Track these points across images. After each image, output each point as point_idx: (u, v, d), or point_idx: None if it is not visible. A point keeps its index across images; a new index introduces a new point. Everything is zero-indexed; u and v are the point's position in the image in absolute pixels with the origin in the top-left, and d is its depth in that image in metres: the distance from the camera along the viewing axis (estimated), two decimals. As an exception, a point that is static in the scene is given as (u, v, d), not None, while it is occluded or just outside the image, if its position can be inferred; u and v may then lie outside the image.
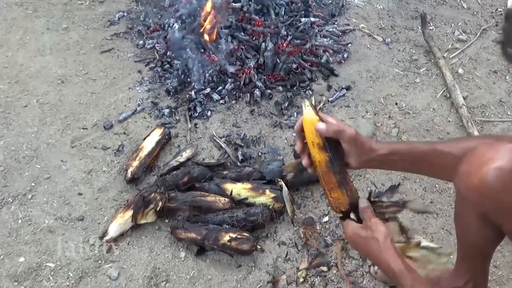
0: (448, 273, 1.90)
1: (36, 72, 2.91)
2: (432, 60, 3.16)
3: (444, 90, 2.98)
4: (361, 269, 2.15)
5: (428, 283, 1.31)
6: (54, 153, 2.50)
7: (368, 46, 3.25)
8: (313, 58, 3.02)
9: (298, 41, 3.03)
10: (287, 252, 2.19)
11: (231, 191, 2.27)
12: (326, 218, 2.32)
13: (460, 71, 3.12)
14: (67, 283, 2.03)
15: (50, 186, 2.36)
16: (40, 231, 2.20)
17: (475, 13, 3.58)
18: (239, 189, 2.26)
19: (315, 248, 2.21)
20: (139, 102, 2.76)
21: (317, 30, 3.17)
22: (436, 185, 2.48)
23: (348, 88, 2.93)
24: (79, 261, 2.10)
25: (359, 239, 1.37)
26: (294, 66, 2.92)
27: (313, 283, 2.10)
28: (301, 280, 2.11)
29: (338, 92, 2.89)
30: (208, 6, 2.88)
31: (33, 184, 2.36)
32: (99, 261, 2.11)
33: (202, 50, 2.94)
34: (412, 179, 2.49)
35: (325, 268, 2.15)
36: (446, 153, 1.38)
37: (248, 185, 2.28)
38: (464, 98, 2.88)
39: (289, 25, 3.09)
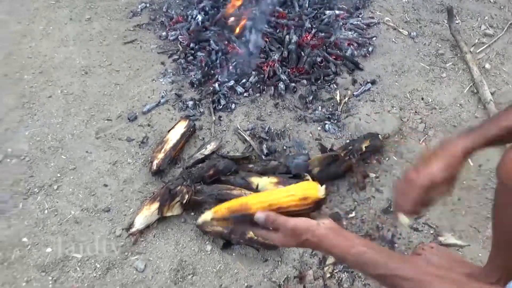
0: (477, 270, 1.87)
1: (60, 62, 2.91)
2: (459, 55, 3.11)
3: (471, 86, 2.92)
4: (388, 265, 2.12)
5: (368, 249, 1.15)
6: (79, 144, 2.50)
7: (393, 39, 3.20)
8: (338, 52, 2.98)
9: (323, 34, 3.00)
10: (313, 247, 2.17)
11: (257, 185, 2.25)
12: (352, 214, 2.29)
13: (487, 66, 3.06)
14: (94, 274, 2.03)
15: (76, 177, 2.36)
16: (66, 221, 2.20)
17: (502, 7, 3.52)
18: (265, 183, 2.24)
19: (342, 243, 2.18)
20: (162, 94, 2.75)
21: (341, 23, 3.14)
22: (464, 182, 2.43)
23: (373, 82, 2.89)
24: (105, 252, 2.10)
25: (294, 246, 1.23)
26: (319, 59, 2.89)
27: (340, 278, 2.08)
28: (328, 275, 2.09)
29: (363, 86, 2.86)
30: (233, -1, 2.86)
31: (58, 175, 2.36)
32: (126, 253, 2.11)
33: (226, 42, 2.92)
34: (438, 175, 2.45)
35: (352, 264, 2.13)
36: None
37: (274, 179, 2.25)
38: (492, 94, 2.82)
39: (313, 18, 3.06)
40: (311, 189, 1.29)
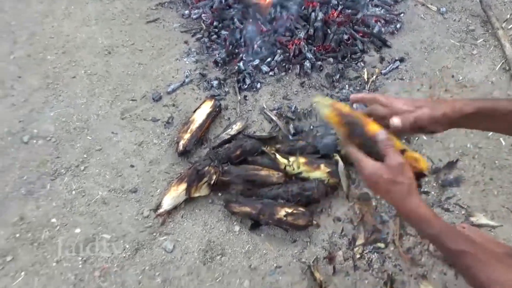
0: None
1: (82, 42, 2.89)
2: (490, 31, 3.01)
3: (503, 63, 2.83)
4: (419, 246, 2.08)
5: (455, 230, 1.20)
6: (105, 124, 2.48)
7: (422, 16, 3.11)
8: (365, 29, 2.90)
9: (349, 10, 2.92)
10: (342, 227, 2.14)
11: (285, 166, 2.21)
12: (381, 194, 2.25)
13: (520, 42, 2.96)
14: (124, 255, 2.02)
15: (102, 157, 2.35)
16: (94, 202, 2.19)
17: (534, -20, 3.39)
18: (294, 163, 2.20)
19: (371, 224, 2.15)
20: (187, 73, 2.71)
21: (368, 0, 3.05)
22: (496, 162, 2.37)
23: (401, 60, 2.81)
24: (134, 233, 2.09)
25: (381, 180, 1.22)
26: (345, 36, 2.82)
27: (370, 259, 2.05)
28: (358, 256, 2.06)
29: (391, 64, 2.78)
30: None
31: (85, 156, 2.35)
32: (154, 234, 2.10)
33: (250, 20, 2.86)
34: (471, 154, 2.39)
35: (382, 245, 2.09)
36: None
37: (303, 159, 2.21)
38: (525, 71, 2.74)
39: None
40: (422, 162, 1.32)
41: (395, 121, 1.27)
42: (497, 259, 1.14)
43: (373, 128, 1.34)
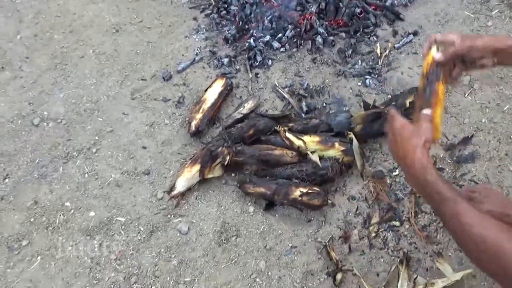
0: None
1: (89, 21, 2.84)
2: (505, 1, 2.92)
3: (519, 34, 2.77)
4: (434, 224, 2.07)
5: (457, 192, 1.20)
6: (115, 105, 2.46)
7: (435, -14, 3.03)
8: (377, 2, 2.83)
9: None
10: (357, 206, 2.13)
11: (298, 147, 2.19)
12: (396, 172, 2.23)
13: (536, 12, 2.88)
14: (139, 237, 2.03)
15: (114, 139, 2.34)
16: (107, 185, 2.19)
17: None
18: (308, 142, 2.18)
19: (386, 202, 2.14)
20: (197, 51, 2.67)
21: (380, -29, 2.97)
22: (511, 136, 2.33)
23: (415, 34, 2.75)
24: (148, 215, 2.09)
25: (404, 131, 1.29)
26: (358, 10, 2.75)
27: (385, 238, 2.04)
28: (373, 234, 2.05)
29: (404, 38, 2.72)
30: None
31: (96, 138, 2.34)
32: (168, 216, 2.10)
33: (261, -5, 2.80)
34: (486, 130, 2.35)
35: (397, 223, 2.08)
36: None
37: (316, 138, 2.19)
38: (541, 42, 2.67)
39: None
40: (437, 132, 1.36)
41: (437, 56, 1.34)
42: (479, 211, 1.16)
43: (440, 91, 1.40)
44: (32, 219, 2.08)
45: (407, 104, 2.32)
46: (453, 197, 1.16)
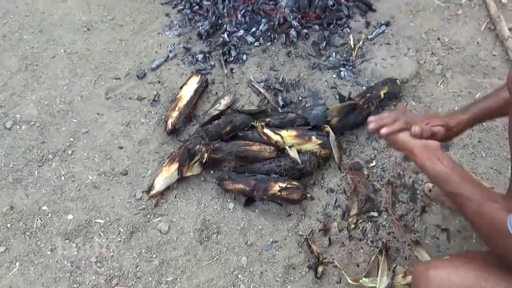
0: (501, 197, 1.87)
1: (60, 19, 2.78)
2: (474, -10, 2.98)
3: (488, 22, 2.81)
4: (411, 213, 2.11)
5: (450, 171, 1.35)
6: (89, 105, 2.42)
7: (406, -24, 3.05)
8: (349, -7, 2.84)
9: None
10: (336, 198, 2.15)
11: (276, 141, 2.19)
12: (373, 163, 2.26)
13: (504, 0, 2.92)
14: (119, 239, 2.02)
15: (89, 140, 2.31)
16: (84, 187, 2.16)
17: None
18: (285, 137, 2.18)
19: (364, 193, 2.16)
20: (170, 48, 2.64)
21: (350, -38, 2.97)
22: (483, 124, 2.38)
23: (387, 24, 2.77)
24: (128, 216, 2.08)
25: (430, 147, 1.41)
26: (330, 2, 2.76)
27: (364, 228, 2.07)
28: (352, 226, 2.08)
29: (377, 29, 2.74)
30: None
31: (71, 139, 2.30)
32: (148, 216, 2.09)
33: (233, -11, 2.78)
34: (459, 118, 2.39)
35: (375, 214, 2.12)
36: None
37: (294, 132, 2.20)
38: (510, 30, 2.71)
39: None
40: None
41: (416, 129, 1.46)
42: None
43: None
44: (8, 225, 2.05)
45: (382, 95, 2.35)
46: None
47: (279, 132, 2.19)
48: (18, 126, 2.34)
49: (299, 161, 2.13)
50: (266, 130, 2.19)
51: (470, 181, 1.33)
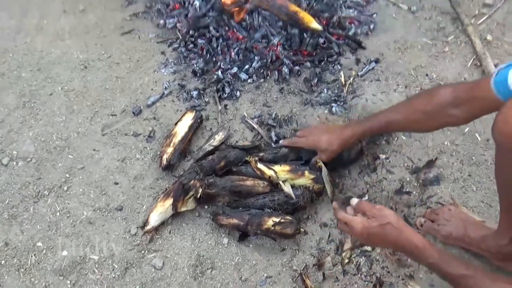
0: (492, 233, 1.91)
1: (58, 58, 2.84)
2: (460, 28, 3.07)
3: (474, 58, 2.90)
4: (404, 247, 2.13)
5: (452, 255, 1.38)
6: (86, 142, 2.46)
7: (394, 15, 3.15)
8: (340, 31, 2.93)
9: (326, 14, 2.93)
10: (329, 233, 2.17)
11: (269, 176, 2.23)
12: (365, 197, 2.29)
13: (489, 37, 3.02)
14: (113, 275, 2.02)
15: (85, 176, 2.33)
16: (79, 223, 2.17)
17: (500, -25, 3.46)
18: (278, 172, 2.22)
19: (357, 228, 2.18)
20: (166, 85, 2.70)
21: (341, 1, 3.07)
22: (473, 158, 2.43)
23: (377, 61, 2.85)
24: (122, 252, 2.09)
25: (373, 230, 1.38)
26: (321, 40, 2.84)
27: (358, 263, 2.08)
28: (346, 261, 2.09)
29: (367, 66, 2.82)
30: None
31: (67, 175, 2.33)
32: (143, 251, 2.09)
33: (226, 28, 2.86)
34: (448, 152, 2.45)
35: (369, 248, 2.13)
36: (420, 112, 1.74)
37: (287, 167, 2.23)
38: (495, 66, 2.79)
39: (313, -3, 2.99)
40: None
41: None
42: (493, 279, 1.27)
43: None
44: (3, 261, 2.05)
45: (373, 131, 2.40)
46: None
47: (273, 167, 2.23)
48: (14, 163, 2.37)
49: (293, 195, 2.16)
50: (259, 165, 2.23)
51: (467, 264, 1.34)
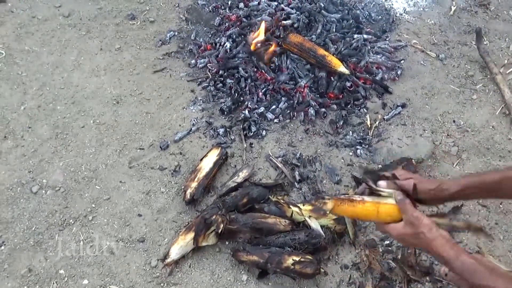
0: None
1: (92, 92, 2.95)
2: (489, 76, 3.08)
3: (503, 107, 2.88)
4: (427, 293, 2.08)
5: (479, 265, 1.31)
6: (113, 173, 2.52)
7: (422, 62, 3.18)
8: (367, 75, 2.97)
9: (354, 59, 2.99)
10: (350, 275, 2.14)
11: (292, 213, 2.23)
12: (388, 240, 2.26)
13: (518, 87, 3.02)
14: (132, 306, 2.03)
15: (110, 207, 2.38)
16: (102, 253, 2.20)
17: (530, 26, 3.48)
18: (302, 210, 2.22)
19: (379, 271, 2.15)
20: (193, 121, 2.76)
21: (369, 47, 3.12)
22: (501, 206, 2.39)
23: (403, 106, 2.87)
24: (142, 283, 2.10)
25: (407, 237, 1.39)
26: (348, 84, 2.88)
27: (378, 308, 2.04)
28: (367, 304, 2.05)
29: (393, 110, 2.83)
30: (261, 29, 2.88)
31: (93, 205, 2.38)
32: (162, 284, 2.10)
33: (255, 69, 2.93)
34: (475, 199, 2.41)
35: (390, 293, 2.09)
36: None
37: (309, 207, 2.23)
38: (524, 115, 2.79)
39: (341, 41, 3.05)
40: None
41: (381, 183, 1.48)
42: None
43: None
44: (25, 287, 2.08)
45: (397, 174, 2.39)
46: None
47: (298, 205, 2.24)
48: (43, 191, 2.44)
49: (321, 231, 2.15)
50: (285, 200, 2.24)
51: (501, 276, 1.31)
